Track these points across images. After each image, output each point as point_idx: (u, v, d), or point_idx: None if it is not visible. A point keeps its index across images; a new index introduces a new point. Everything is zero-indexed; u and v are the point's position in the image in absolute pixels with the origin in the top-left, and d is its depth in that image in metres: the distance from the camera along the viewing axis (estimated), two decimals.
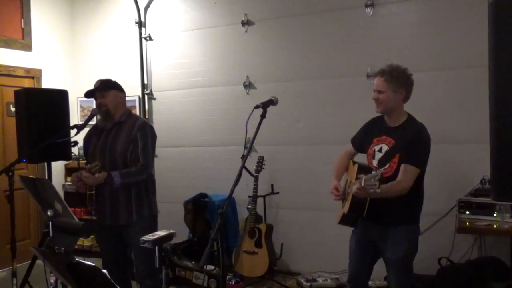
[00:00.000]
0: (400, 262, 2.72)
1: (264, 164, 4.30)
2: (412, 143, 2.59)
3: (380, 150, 2.72)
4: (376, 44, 4.20)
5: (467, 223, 3.17)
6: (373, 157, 2.76)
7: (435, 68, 4.02)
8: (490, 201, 3.11)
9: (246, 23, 4.76)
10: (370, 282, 4.12)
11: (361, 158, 2.93)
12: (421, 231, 2.84)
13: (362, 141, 2.90)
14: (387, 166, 2.66)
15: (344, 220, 2.79)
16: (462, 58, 3.91)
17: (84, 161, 3.31)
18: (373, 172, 2.48)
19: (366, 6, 4.21)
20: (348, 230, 2.92)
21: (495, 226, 3.04)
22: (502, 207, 3.01)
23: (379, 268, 4.14)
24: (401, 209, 2.66)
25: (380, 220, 2.71)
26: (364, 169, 2.68)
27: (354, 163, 2.84)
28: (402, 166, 2.59)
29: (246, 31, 4.78)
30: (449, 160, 3.97)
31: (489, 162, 1.42)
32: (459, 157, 3.93)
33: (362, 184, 2.37)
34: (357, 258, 2.90)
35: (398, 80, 2.66)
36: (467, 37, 3.87)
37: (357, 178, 2.60)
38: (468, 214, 3.24)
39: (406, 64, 4.05)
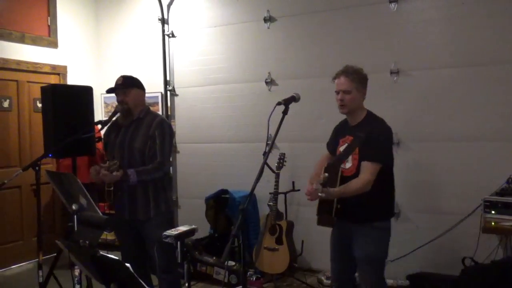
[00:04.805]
0: (368, 259, 2.74)
1: (285, 161, 4.29)
2: (369, 139, 2.61)
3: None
4: (400, 41, 4.15)
5: (493, 223, 3.10)
6: None
7: (460, 65, 3.94)
8: None
9: (268, 19, 4.75)
10: (392, 281, 4.09)
11: None
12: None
13: (333, 145, 2.98)
14: (349, 165, 2.71)
15: (320, 221, 2.84)
16: (489, 55, 3.82)
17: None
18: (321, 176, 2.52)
19: (390, 1, 4.15)
20: None
21: None
22: None
23: (401, 268, 4.11)
24: (369, 207, 2.69)
25: (350, 218, 2.75)
26: (329, 169, 2.71)
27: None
28: (362, 164, 2.66)
29: (268, 28, 4.78)
30: (474, 159, 3.90)
31: None
32: (484, 156, 3.85)
33: (311, 188, 2.51)
34: (336, 259, 2.94)
35: (361, 79, 2.78)
36: (494, 33, 3.79)
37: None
38: (493, 213, 3.18)
39: (431, 61, 4.05)
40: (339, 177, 2.72)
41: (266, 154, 2.45)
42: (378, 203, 2.71)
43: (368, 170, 2.62)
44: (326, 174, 2.48)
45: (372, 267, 2.77)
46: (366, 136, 2.61)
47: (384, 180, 2.71)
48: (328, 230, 3.21)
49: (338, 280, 2.98)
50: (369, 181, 2.61)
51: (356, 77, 2.75)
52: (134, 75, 3.32)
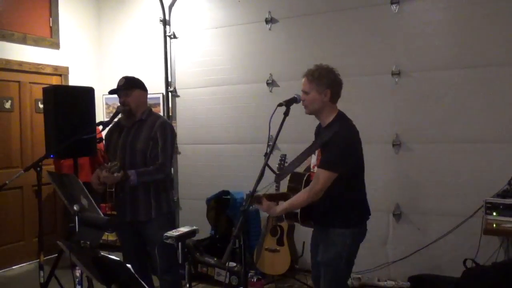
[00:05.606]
0: (327, 265, 2.66)
1: (286, 162, 4.28)
2: (326, 145, 2.54)
3: (314, 153, 2.72)
4: (402, 42, 4.15)
5: (494, 225, 3.10)
6: (311, 161, 2.79)
7: (461, 66, 3.94)
8: None
9: (270, 20, 4.75)
10: (393, 283, 4.09)
11: None
12: (358, 233, 2.70)
13: None
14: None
15: (302, 222, 2.83)
16: (491, 56, 3.82)
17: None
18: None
19: (392, 3, 4.15)
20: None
21: None
22: None
23: (402, 270, 4.11)
24: (327, 213, 2.62)
25: (316, 221, 2.73)
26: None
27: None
28: (316, 171, 2.58)
29: (270, 29, 4.78)
30: (475, 160, 3.89)
31: None
32: (486, 157, 3.85)
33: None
34: (313, 261, 2.86)
35: (321, 80, 2.61)
36: (496, 35, 3.79)
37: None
38: (495, 215, 3.18)
39: (432, 62, 4.05)
40: (303, 182, 2.72)
41: (267, 155, 2.44)
42: (337, 210, 2.61)
43: (320, 179, 2.50)
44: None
45: (327, 272, 2.67)
46: (325, 141, 2.54)
47: (345, 188, 2.57)
48: None
49: (315, 282, 2.88)
50: (318, 191, 2.50)
51: (315, 78, 2.61)
52: (136, 76, 3.32)
